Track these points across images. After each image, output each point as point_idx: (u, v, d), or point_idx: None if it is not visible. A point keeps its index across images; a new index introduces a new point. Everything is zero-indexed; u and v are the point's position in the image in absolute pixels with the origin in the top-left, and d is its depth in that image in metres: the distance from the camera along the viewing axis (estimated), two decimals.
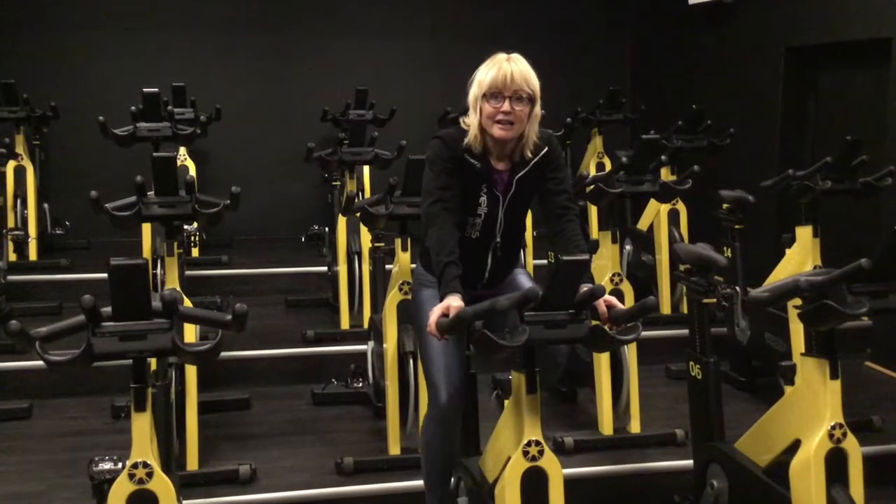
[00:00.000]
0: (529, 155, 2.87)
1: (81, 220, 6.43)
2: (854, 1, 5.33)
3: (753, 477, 3.05)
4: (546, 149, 2.90)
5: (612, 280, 4.12)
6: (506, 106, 2.76)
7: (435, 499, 3.15)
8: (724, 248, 4.73)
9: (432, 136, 2.91)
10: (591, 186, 4.26)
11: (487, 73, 2.78)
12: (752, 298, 2.90)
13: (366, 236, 4.93)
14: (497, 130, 2.78)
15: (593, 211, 6.01)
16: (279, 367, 4.87)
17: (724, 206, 4.80)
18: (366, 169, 6.03)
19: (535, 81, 2.80)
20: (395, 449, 3.84)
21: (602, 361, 4.04)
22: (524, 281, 3.07)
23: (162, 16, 7.25)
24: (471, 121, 2.84)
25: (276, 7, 7.45)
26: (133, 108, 5.40)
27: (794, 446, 2.84)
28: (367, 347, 4.41)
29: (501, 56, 2.81)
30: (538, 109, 2.84)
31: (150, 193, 3.63)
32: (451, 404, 2.91)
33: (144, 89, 5.48)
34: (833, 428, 2.73)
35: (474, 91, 2.82)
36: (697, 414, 3.38)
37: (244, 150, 7.30)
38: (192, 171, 6.18)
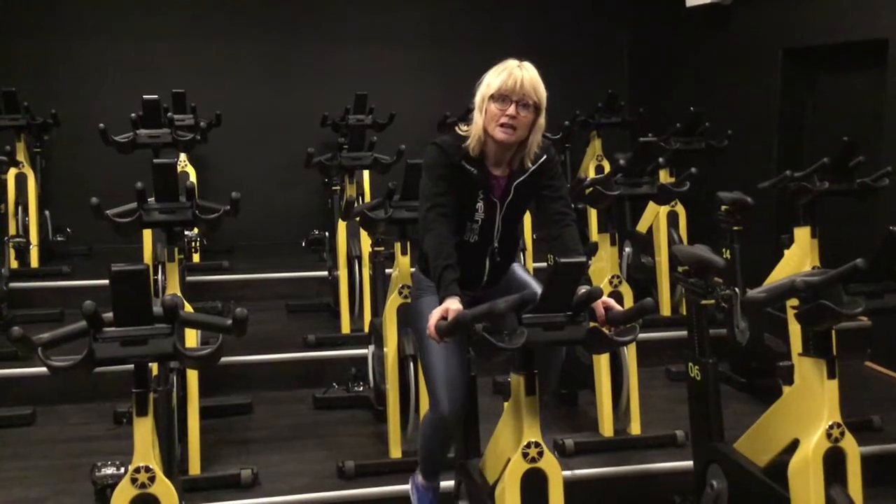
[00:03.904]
0: (529, 164, 2.90)
1: (82, 227, 6.42)
2: (850, 2, 5.35)
3: (753, 477, 3.06)
4: (544, 157, 2.92)
5: (611, 282, 4.11)
6: (511, 109, 2.77)
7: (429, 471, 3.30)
8: (723, 250, 4.73)
9: (429, 143, 2.92)
10: (590, 189, 4.26)
11: (498, 76, 2.80)
12: (749, 299, 2.91)
13: (366, 241, 4.94)
14: (499, 133, 2.80)
15: (592, 214, 6.01)
16: (280, 372, 4.88)
17: (723, 207, 4.79)
18: (365, 173, 6.05)
19: (543, 91, 2.81)
20: (396, 452, 3.85)
21: (602, 363, 4.05)
22: (523, 277, 3.09)
23: (162, 23, 7.28)
24: (474, 121, 2.85)
25: (275, 14, 7.48)
26: (133, 114, 5.42)
27: (793, 446, 2.85)
28: (368, 351, 4.42)
29: (513, 62, 2.83)
30: (542, 121, 2.86)
31: (151, 200, 3.65)
32: (453, 413, 2.94)
33: (144, 96, 5.50)
34: (831, 427, 2.74)
35: (482, 91, 2.83)
36: (697, 415, 3.39)
37: (244, 155, 7.32)
38: (193, 178, 6.20)
